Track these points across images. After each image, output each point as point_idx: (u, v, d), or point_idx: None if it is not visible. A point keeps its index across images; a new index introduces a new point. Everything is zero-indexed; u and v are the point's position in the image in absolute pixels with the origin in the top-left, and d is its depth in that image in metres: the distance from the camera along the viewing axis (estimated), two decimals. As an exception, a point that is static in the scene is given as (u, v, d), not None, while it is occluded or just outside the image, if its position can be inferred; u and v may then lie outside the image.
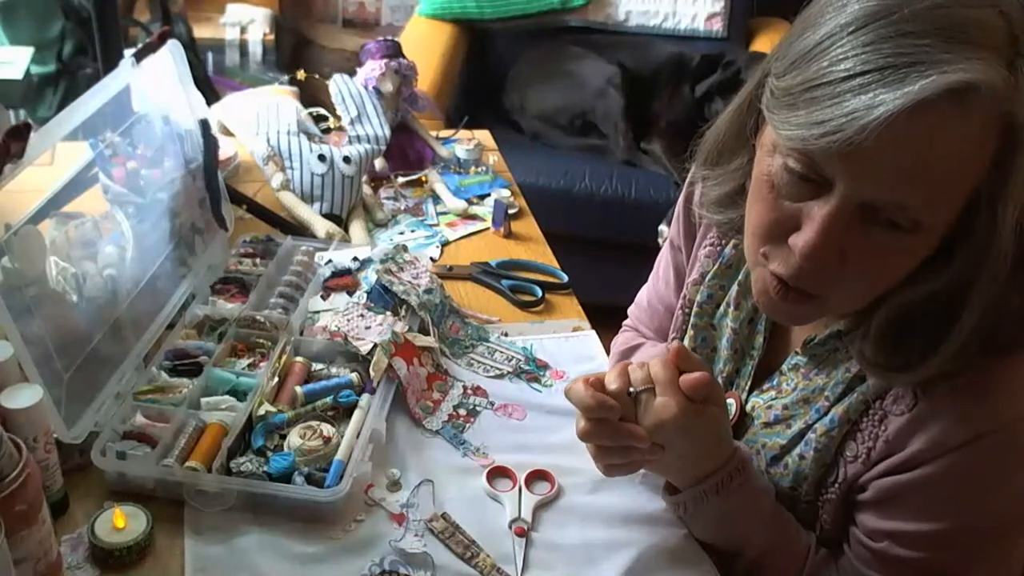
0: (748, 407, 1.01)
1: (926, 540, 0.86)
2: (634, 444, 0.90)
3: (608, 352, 1.27)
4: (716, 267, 1.04)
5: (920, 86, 0.67)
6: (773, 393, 0.98)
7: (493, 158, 1.79)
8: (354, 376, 1.14)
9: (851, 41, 0.71)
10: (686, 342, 1.08)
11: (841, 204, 0.75)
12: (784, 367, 0.98)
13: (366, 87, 1.66)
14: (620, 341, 1.24)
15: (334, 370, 1.16)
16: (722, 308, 1.04)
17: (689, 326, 1.07)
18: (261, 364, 1.16)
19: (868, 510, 0.90)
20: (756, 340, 1.02)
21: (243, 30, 3.34)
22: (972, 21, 0.70)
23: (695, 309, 1.06)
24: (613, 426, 0.90)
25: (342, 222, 1.54)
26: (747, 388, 1.02)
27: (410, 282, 1.29)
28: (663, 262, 1.18)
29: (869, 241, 0.76)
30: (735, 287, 1.03)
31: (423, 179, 1.70)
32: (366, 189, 1.63)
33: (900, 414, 0.85)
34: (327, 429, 1.04)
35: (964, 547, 0.86)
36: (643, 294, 1.25)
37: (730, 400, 1.02)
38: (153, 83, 1.22)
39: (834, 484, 0.91)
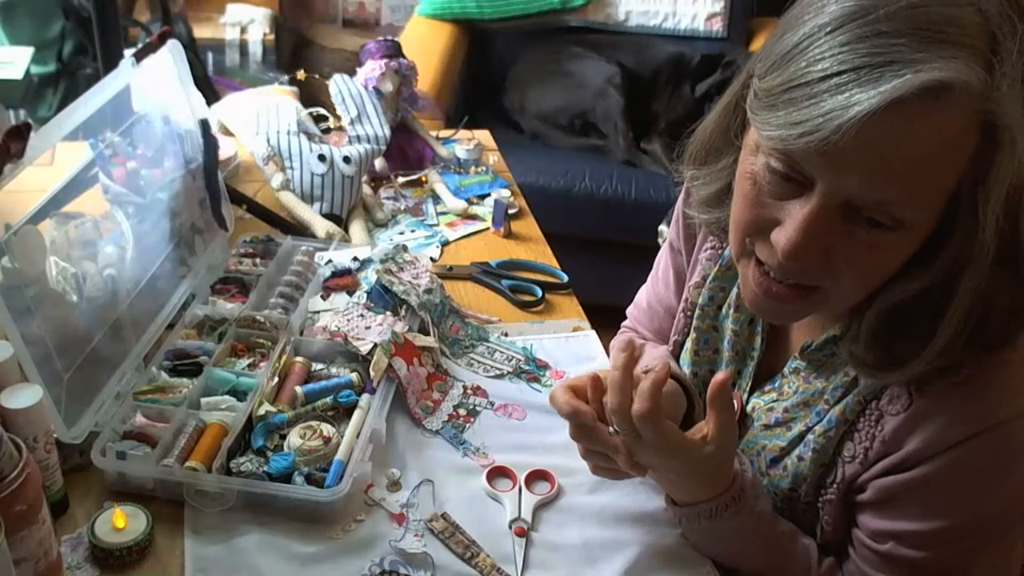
0: (748, 408, 1.01)
1: (929, 539, 0.86)
2: (613, 455, 0.92)
3: (608, 352, 1.27)
4: (717, 269, 1.05)
5: (894, 85, 0.68)
6: (774, 395, 0.99)
7: (493, 158, 1.79)
8: (354, 376, 1.14)
9: (828, 41, 0.72)
10: (688, 345, 1.08)
11: (822, 203, 0.75)
12: (786, 370, 0.98)
13: (366, 87, 1.66)
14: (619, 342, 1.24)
15: (334, 370, 1.16)
16: (724, 310, 1.05)
17: (692, 329, 1.08)
18: (261, 364, 1.16)
19: (869, 511, 0.90)
20: (755, 341, 1.02)
21: (243, 30, 3.33)
22: (949, 20, 0.70)
23: (697, 312, 1.06)
24: (596, 432, 0.92)
25: (342, 222, 1.54)
26: (747, 389, 1.02)
27: (410, 282, 1.29)
28: (662, 264, 1.18)
29: (853, 240, 0.77)
30: (735, 289, 1.03)
31: (423, 179, 1.70)
32: (366, 189, 1.63)
33: (896, 414, 0.85)
34: (327, 429, 1.04)
35: (966, 544, 0.86)
36: (642, 296, 1.25)
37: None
38: (153, 83, 1.22)
39: (832, 484, 0.91)
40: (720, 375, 0.87)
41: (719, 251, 1.05)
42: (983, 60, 0.70)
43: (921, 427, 0.84)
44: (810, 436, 0.92)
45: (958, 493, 0.84)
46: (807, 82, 0.72)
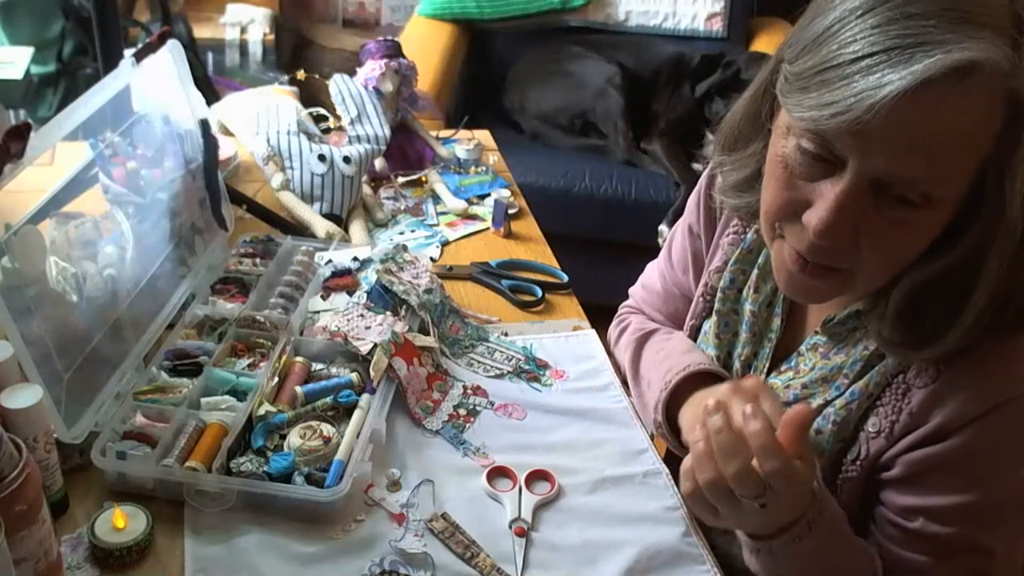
0: None
1: (960, 513, 0.87)
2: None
3: (608, 351, 1.28)
4: (738, 252, 1.06)
5: (925, 65, 0.70)
6: (791, 374, 0.99)
7: (493, 158, 1.79)
8: (354, 376, 1.14)
9: (859, 24, 0.74)
10: (710, 328, 1.09)
11: (853, 182, 0.77)
12: (802, 348, 0.99)
13: (366, 87, 1.66)
14: (635, 325, 1.22)
15: (334, 370, 1.16)
16: (744, 292, 1.06)
17: (712, 312, 1.09)
18: (261, 364, 1.16)
19: (897, 487, 0.90)
20: (774, 323, 1.03)
21: (243, 30, 3.34)
22: (975, 1, 0.72)
23: (719, 295, 1.08)
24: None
25: (342, 222, 1.54)
26: (765, 371, 1.03)
27: (410, 282, 1.29)
28: (678, 248, 1.19)
29: (883, 218, 0.78)
30: (755, 271, 1.04)
31: (423, 179, 1.70)
32: (366, 189, 1.63)
33: (923, 386, 0.87)
34: (327, 429, 1.04)
35: (997, 517, 0.87)
36: (653, 278, 1.25)
37: None
38: (153, 83, 1.22)
39: (855, 462, 0.92)
40: (802, 409, 0.79)
41: (741, 235, 1.07)
42: (1010, 40, 0.72)
43: (948, 399, 0.85)
44: (829, 409, 0.93)
45: (989, 464, 0.85)
46: (839, 64, 0.74)
